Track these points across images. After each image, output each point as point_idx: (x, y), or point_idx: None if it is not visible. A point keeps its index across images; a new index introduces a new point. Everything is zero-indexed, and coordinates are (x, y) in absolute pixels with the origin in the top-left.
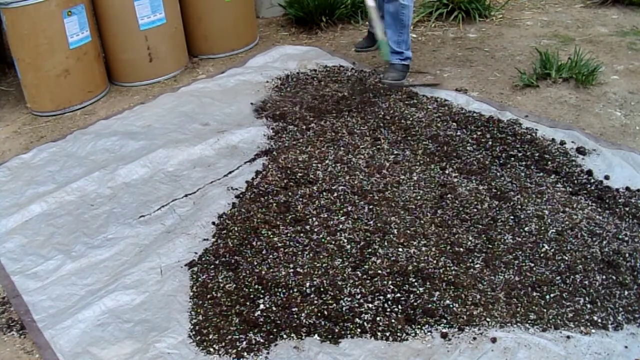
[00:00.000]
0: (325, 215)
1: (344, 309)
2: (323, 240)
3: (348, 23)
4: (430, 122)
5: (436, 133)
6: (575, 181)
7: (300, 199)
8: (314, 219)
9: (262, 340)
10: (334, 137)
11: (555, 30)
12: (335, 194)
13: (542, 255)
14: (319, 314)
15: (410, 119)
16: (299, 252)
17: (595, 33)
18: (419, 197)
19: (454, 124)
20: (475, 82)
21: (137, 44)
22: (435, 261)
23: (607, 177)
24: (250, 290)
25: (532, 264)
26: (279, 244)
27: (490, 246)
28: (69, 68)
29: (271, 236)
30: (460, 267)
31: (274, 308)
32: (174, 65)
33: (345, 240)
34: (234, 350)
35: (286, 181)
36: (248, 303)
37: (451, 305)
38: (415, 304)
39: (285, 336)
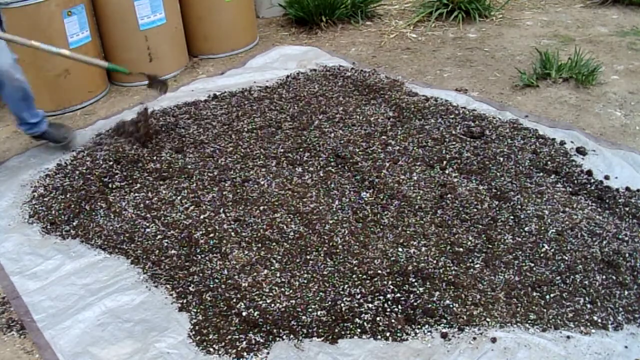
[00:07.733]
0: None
1: (343, 309)
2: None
3: (348, 23)
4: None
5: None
6: (575, 181)
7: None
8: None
9: (262, 340)
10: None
11: (555, 30)
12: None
13: (542, 255)
14: (319, 314)
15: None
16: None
17: (595, 33)
18: (419, 197)
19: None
20: (475, 82)
21: (137, 44)
22: (435, 261)
23: (607, 177)
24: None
25: (532, 264)
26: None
27: (490, 246)
28: (69, 68)
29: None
30: (460, 267)
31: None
32: (174, 65)
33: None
34: (234, 350)
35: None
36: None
37: (451, 305)
38: (415, 304)
39: (285, 336)
